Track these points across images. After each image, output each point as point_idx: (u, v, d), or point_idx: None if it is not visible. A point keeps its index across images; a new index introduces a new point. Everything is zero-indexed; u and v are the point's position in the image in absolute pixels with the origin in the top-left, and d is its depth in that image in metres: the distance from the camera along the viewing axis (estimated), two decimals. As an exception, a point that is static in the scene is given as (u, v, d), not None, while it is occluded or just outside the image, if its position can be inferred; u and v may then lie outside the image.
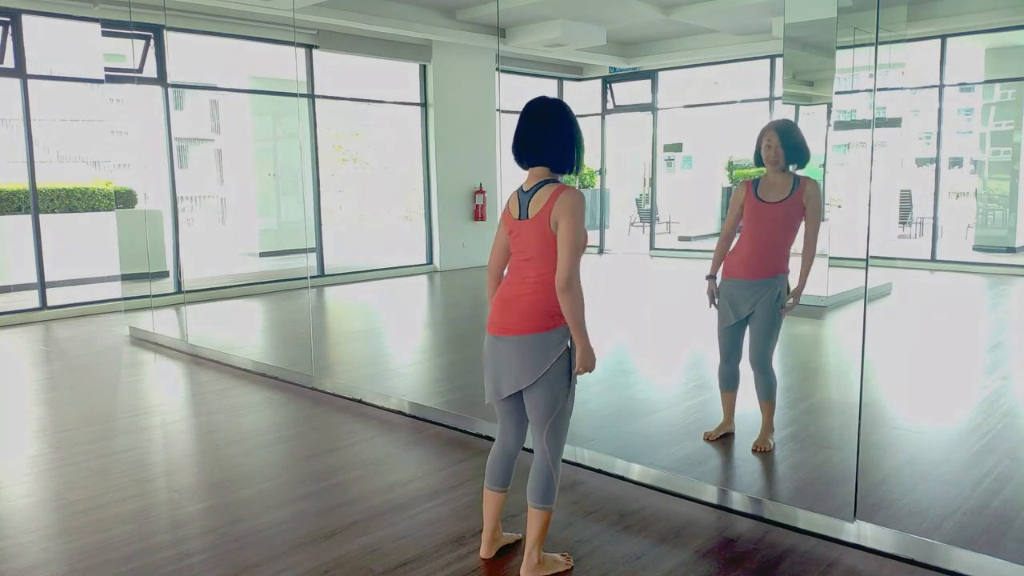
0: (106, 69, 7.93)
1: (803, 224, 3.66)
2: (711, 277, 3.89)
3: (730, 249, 3.86)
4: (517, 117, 2.63)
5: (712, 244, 3.98)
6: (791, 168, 3.66)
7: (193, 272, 9.19)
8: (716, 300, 3.86)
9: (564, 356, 2.57)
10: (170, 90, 8.52)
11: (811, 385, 5.36)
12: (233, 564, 2.87)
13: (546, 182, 2.56)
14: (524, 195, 2.59)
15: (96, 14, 7.71)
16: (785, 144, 3.59)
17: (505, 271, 2.74)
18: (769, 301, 3.67)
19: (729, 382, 3.95)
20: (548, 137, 2.55)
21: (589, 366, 2.55)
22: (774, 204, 3.64)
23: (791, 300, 3.72)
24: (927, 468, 3.73)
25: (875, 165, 3.17)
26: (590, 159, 14.38)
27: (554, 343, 2.55)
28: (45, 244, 7.97)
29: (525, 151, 2.58)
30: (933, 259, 10.42)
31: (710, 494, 3.35)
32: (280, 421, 4.67)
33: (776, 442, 3.90)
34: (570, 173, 2.61)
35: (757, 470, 3.69)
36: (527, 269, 2.58)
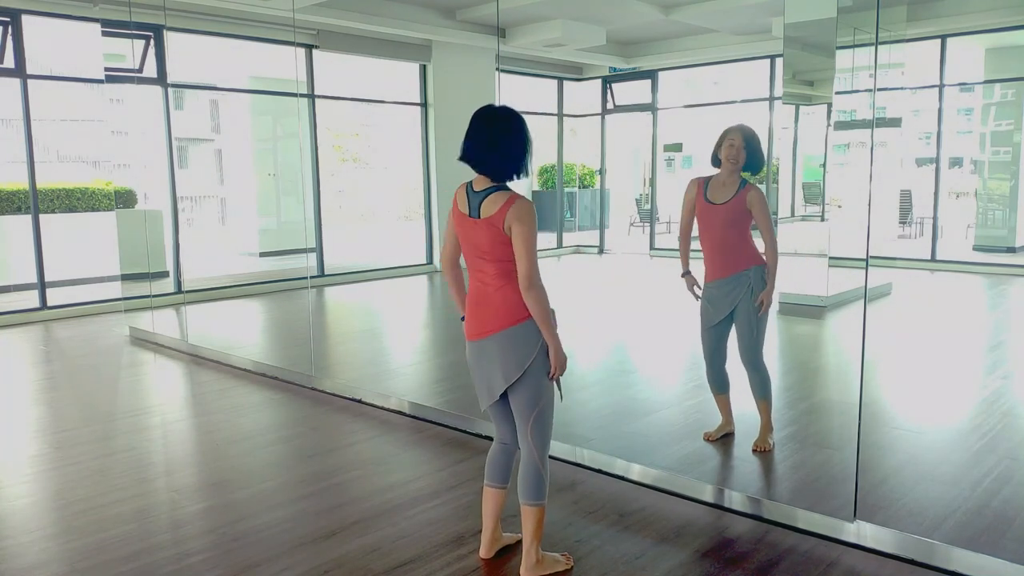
0: (106, 69, 7.93)
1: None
2: (686, 273, 3.93)
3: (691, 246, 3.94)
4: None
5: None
6: (742, 172, 3.71)
7: (193, 272, 9.19)
8: (699, 293, 3.89)
9: (544, 346, 2.59)
10: (170, 90, 8.52)
11: (811, 385, 5.36)
12: (233, 564, 2.87)
13: (497, 188, 2.58)
14: (475, 195, 2.60)
15: (96, 14, 7.70)
16: (747, 147, 3.67)
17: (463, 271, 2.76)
18: (746, 296, 3.70)
19: (719, 385, 3.96)
20: (497, 151, 2.56)
21: (562, 364, 2.60)
22: (718, 205, 3.72)
23: (762, 302, 3.71)
24: (927, 468, 3.73)
25: (875, 165, 3.17)
26: (590, 159, 14.39)
27: (533, 332, 2.58)
28: (45, 244, 7.97)
29: (476, 164, 2.60)
30: (933, 259, 10.42)
31: (710, 494, 3.35)
32: (280, 421, 4.67)
33: (776, 442, 3.90)
34: (516, 179, 2.62)
35: (757, 470, 3.69)
36: (486, 266, 2.60)
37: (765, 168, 3.91)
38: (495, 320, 2.59)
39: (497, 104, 2.66)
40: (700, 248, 3.90)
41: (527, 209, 2.53)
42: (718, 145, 3.74)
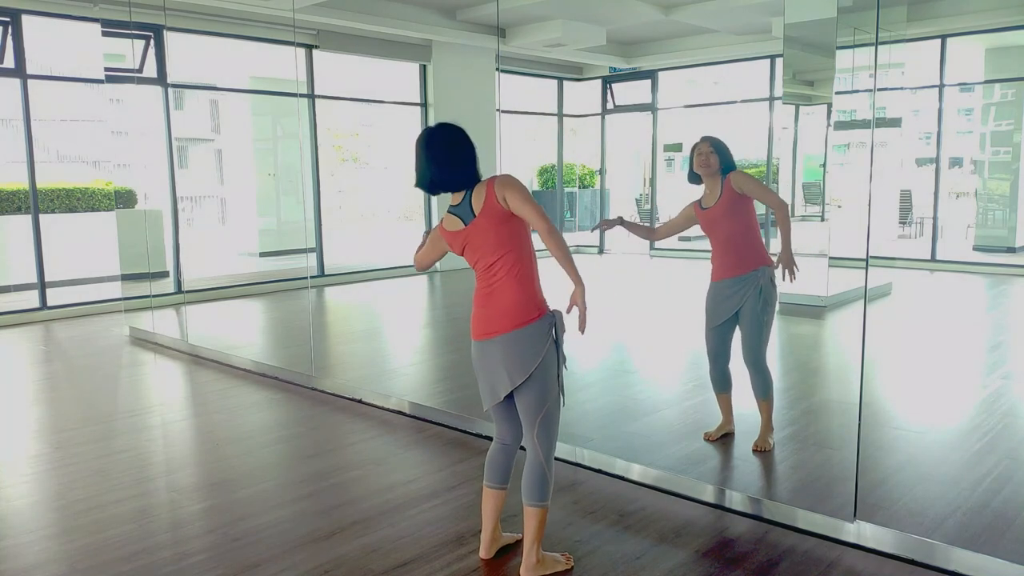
0: (106, 69, 7.93)
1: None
2: (622, 221, 3.91)
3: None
4: (417, 144, 2.68)
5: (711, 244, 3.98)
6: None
7: (193, 272, 9.19)
8: (601, 228, 3.95)
9: (551, 348, 2.60)
10: (170, 90, 8.52)
11: (811, 385, 5.36)
12: (233, 564, 2.87)
13: (471, 188, 2.64)
14: (460, 207, 2.64)
15: (96, 14, 7.71)
16: (716, 150, 3.74)
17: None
18: (753, 297, 3.70)
19: (721, 384, 3.96)
20: (457, 170, 2.62)
21: (582, 303, 2.56)
22: (712, 207, 3.77)
23: (780, 268, 3.68)
24: (927, 468, 3.74)
25: (875, 165, 3.17)
26: (590, 159, 14.39)
27: (541, 334, 2.58)
28: (45, 244, 7.97)
29: (439, 188, 2.66)
30: (933, 259, 10.42)
31: (710, 494, 3.35)
32: (280, 421, 4.67)
33: (776, 442, 3.90)
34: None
35: (757, 470, 3.69)
36: (495, 270, 2.61)
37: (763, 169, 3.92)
38: (502, 321, 2.58)
39: (431, 124, 2.73)
40: (710, 248, 3.91)
41: (508, 177, 2.60)
42: (690, 163, 3.82)
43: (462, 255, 2.71)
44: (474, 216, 2.60)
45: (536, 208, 2.54)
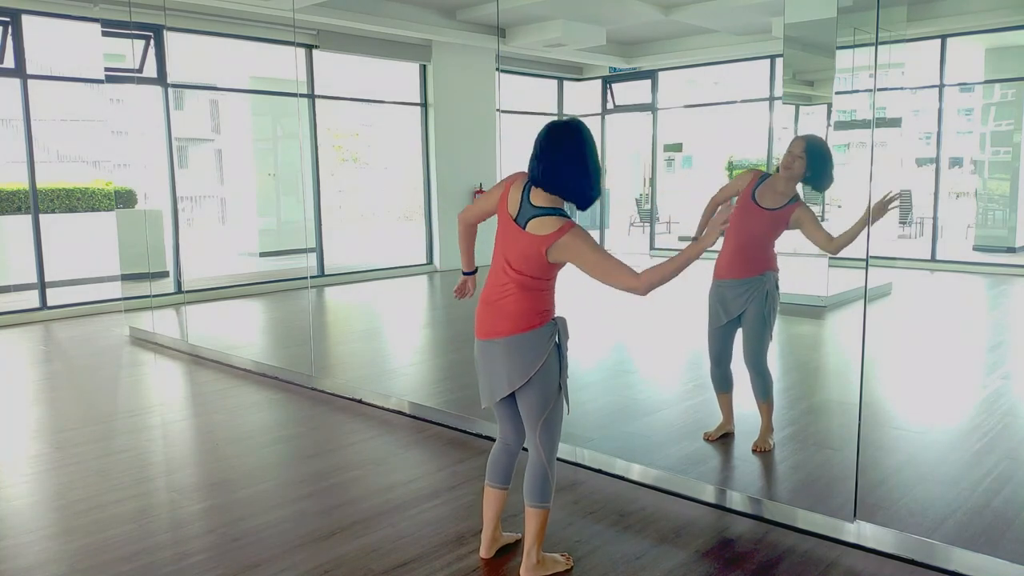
0: (106, 69, 7.93)
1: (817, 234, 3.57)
2: (694, 238, 3.82)
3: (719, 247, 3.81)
4: (536, 136, 2.56)
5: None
6: (800, 187, 3.61)
7: (193, 272, 9.19)
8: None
9: (554, 353, 2.58)
10: (170, 90, 8.52)
11: (811, 385, 5.36)
12: (233, 564, 2.87)
13: (555, 212, 2.49)
14: (528, 206, 2.52)
15: (96, 14, 7.71)
16: (809, 157, 3.52)
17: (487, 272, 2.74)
18: (759, 300, 3.67)
19: (722, 384, 3.95)
20: (572, 175, 2.48)
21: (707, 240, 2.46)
22: (764, 210, 3.62)
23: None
24: (927, 468, 3.74)
25: (875, 165, 3.16)
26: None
27: (543, 340, 2.56)
28: (45, 244, 7.97)
29: (548, 180, 2.49)
30: (933, 259, 10.42)
31: (710, 494, 3.35)
32: (280, 421, 4.67)
33: (776, 442, 3.90)
34: (585, 207, 2.54)
35: (757, 470, 3.69)
36: (508, 272, 2.57)
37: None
38: (505, 324, 2.57)
39: (563, 119, 2.56)
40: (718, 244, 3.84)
41: (580, 237, 2.43)
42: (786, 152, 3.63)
43: (488, 212, 2.69)
44: (524, 230, 2.50)
45: (610, 276, 2.42)
